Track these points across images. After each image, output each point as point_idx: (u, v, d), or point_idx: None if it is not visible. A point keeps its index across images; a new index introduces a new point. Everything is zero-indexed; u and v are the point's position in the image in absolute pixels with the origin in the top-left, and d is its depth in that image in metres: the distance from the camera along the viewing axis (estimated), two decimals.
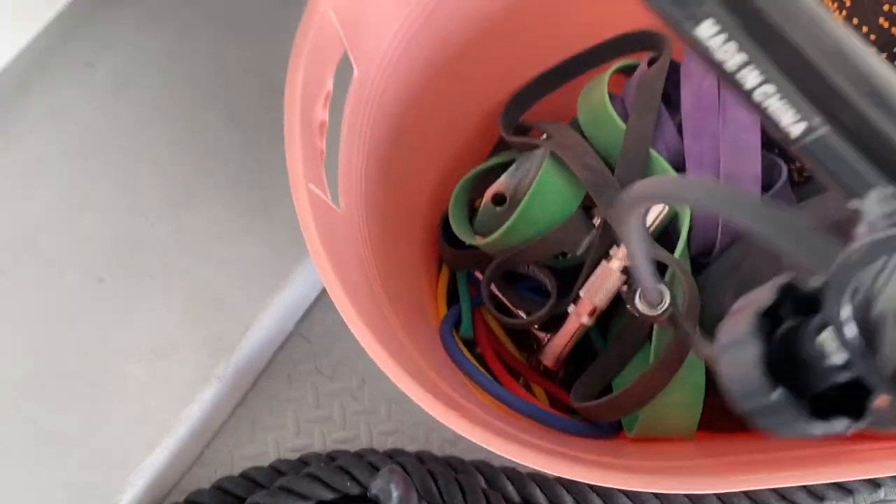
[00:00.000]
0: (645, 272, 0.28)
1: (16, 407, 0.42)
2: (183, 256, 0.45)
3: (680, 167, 0.36)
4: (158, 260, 0.45)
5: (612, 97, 0.38)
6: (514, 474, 0.42)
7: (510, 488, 0.41)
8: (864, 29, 0.35)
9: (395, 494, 0.37)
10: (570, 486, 0.41)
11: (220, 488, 0.41)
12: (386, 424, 0.44)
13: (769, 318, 0.18)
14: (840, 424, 0.16)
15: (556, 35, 0.40)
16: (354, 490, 0.40)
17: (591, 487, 0.41)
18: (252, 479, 0.41)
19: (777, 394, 0.16)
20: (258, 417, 0.45)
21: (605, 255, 0.36)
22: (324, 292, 0.47)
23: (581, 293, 0.37)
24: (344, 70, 0.32)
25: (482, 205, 0.41)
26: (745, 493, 0.40)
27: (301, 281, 0.45)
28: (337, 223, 0.30)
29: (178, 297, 0.44)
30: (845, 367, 0.16)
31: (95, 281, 0.45)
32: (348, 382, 0.45)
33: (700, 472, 0.30)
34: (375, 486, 0.38)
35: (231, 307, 0.44)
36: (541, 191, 0.37)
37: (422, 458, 0.42)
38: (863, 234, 0.16)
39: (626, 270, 0.36)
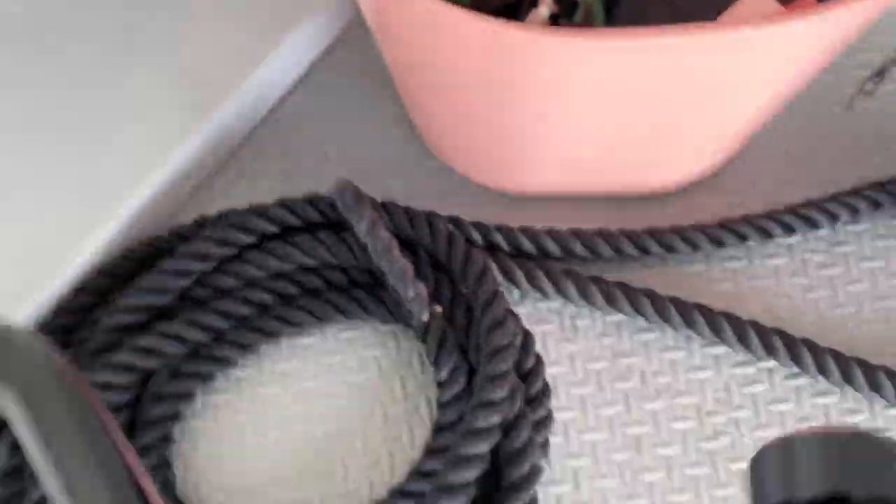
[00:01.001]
0: None
1: (20, 142, 0.46)
2: (169, 37, 0.49)
3: None
4: (146, 43, 0.49)
5: None
6: (478, 224, 0.44)
7: (475, 235, 0.43)
8: None
9: (348, 201, 0.40)
10: (527, 231, 0.43)
11: (199, 224, 0.45)
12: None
13: None
14: None
15: None
16: (315, 216, 0.43)
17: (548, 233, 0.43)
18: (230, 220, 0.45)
19: None
20: (232, 187, 0.48)
21: None
22: (298, 81, 0.51)
23: None
24: None
25: None
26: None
27: (281, 59, 0.49)
28: None
29: (163, 71, 0.48)
30: None
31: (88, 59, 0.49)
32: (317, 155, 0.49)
33: None
34: (330, 191, 0.41)
35: (212, 81, 0.48)
36: None
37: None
38: None
39: None
